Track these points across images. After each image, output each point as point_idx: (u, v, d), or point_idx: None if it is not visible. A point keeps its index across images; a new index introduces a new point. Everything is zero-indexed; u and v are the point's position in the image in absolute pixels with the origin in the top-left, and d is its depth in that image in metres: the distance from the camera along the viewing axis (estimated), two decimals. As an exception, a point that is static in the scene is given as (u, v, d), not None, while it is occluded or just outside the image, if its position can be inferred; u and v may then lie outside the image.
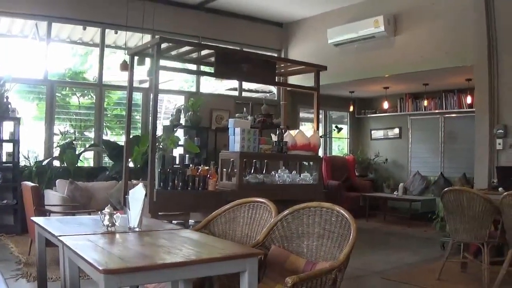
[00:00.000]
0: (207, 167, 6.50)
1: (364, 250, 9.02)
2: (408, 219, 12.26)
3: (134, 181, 6.86)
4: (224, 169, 6.90)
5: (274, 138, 7.19)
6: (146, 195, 3.94)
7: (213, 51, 7.29)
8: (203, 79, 12.94)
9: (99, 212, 3.84)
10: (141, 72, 10.37)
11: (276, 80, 8.37)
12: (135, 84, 10.88)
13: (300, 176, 7.38)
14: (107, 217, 3.72)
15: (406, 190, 13.56)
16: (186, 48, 7.36)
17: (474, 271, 7.25)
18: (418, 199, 12.72)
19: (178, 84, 13.11)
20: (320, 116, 15.28)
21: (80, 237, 3.43)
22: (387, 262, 8.23)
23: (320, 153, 14.20)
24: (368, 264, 7.99)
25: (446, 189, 6.92)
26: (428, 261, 8.17)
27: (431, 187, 13.23)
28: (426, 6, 10.85)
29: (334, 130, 14.99)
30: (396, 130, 15.16)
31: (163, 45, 6.62)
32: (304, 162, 8.07)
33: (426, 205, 12.07)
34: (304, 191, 7.12)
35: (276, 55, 13.75)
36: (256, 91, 14.21)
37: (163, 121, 12.32)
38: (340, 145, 16.34)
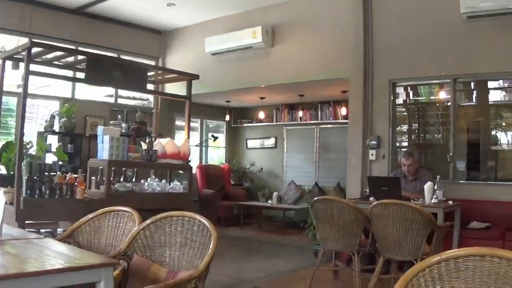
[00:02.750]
0: (75, 175, 6.36)
1: (238, 259, 9.07)
2: (282, 228, 12.38)
3: (3, 189, 6.60)
4: (93, 177, 6.75)
5: (144, 146, 7.11)
6: (6, 202, 3.76)
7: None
8: (81, 85, 12.64)
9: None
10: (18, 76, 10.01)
11: (153, 88, 8.27)
12: (13, 89, 10.47)
13: (170, 184, 7.32)
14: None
15: (281, 199, 13.69)
16: (62, 53, 7.15)
17: (346, 278, 7.40)
18: (292, 208, 12.88)
19: (57, 89, 12.74)
20: (197, 125, 15.33)
21: None
22: (260, 270, 8.28)
23: (196, 162, 14.19)
24: (241, 273, 8.02)
25: (315, 198, 7.01)
26: (301, 269, 8.27)
27: (306, 196, 13.41)
28: (304, 19, 11.00)
29: (210, 138, 14.97)
30: (272, 140, 15.34)
31: (36, 49, 6.41)
32: (180, 171, 7.98)
33: (300, 213, 12.24)
34: (174, 200, 7.08)
35: (154, 63, 13.59)
36: (134, 98, 14.02)
37: (39, 127, 11.91)
38: (218, 154, 16.35)
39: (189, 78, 8.17)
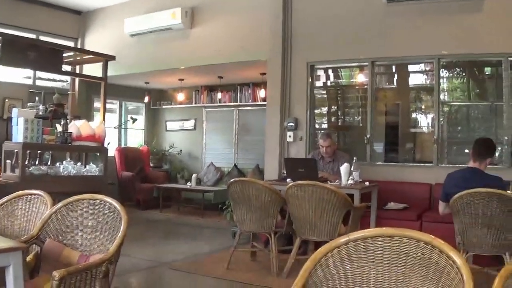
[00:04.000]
0: (-10, 159, 6.21)
1: (157, 242, 9.02)
2: (202, 210, 12.33)
3: None
4: (8, 161, 6.58)
5: (60, 128, 6.97)
6: None
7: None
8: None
9: None
10: None
11: (70, 70, 8.12)
12: None
13: (86, 167, 7.20)
14: None
15: (200, 181, 13.67)
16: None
17: (263, 259, 7.42)
18: (211, 189, 12.86)
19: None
20: (116, 107, 15.10)
21: None
22: (178, 252, 8.24)
23: (115, 144, 14.01)
24: (159, 255, 7.97)
25: (232, 180, 7.03)
26: (219, 251, 8.25)
27: (225, 178, 13.40)
28: (223, 0, 10.98)
29: (129, 120, 14.79)
30: (191, 122, 15.24)
31: None
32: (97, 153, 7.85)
33: (219, 195, 12.21)
34: (90, 182, 6.98)
35: (73, 44, 13.30)
36: (54, 80, 13.67)
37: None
38: (138, 136, 16.15)
39: (105, 59, 8.06)
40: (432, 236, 2.26)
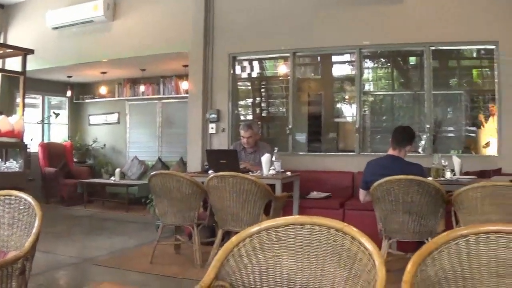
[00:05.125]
0: None
1: (81, 238, 8.91)
2: (126, 204, 12.22)
3: None
4: None
5: (-23, 124, 6.83)
6: None
7: None
8: None
9: None
10: None
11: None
12: None
13: (5, 163, 7.06)
14: None
15: (124, 175, 13.53)
16: None
17: (187, 252, 7.39)
18: (135, 183, 12.77)
19: None
20: (38, 101, 14.81)
21: None
22: (102, 248, 8.14)
23: (39, 139, 13.75)
24: (84, 251, 7.87)
25: (152, 173, 6.99)
26: (144, 245, 8.18)
27: (149, 172, 13.28)
28: (146, -8, 10.89)
29: (51, 116, 14.52)
30: (115, 116, 15.07)
31: None
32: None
33: (144, 189, 12.08)
34: (9, 179, 6.88)
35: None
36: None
37: None
38: (61, 131, 15.85)
39: (24, 53, 7.89)
40: (344, 223, 2.25)
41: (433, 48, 8.67)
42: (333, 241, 2.28)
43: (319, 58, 10.54)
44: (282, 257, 2.38)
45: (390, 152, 6.07)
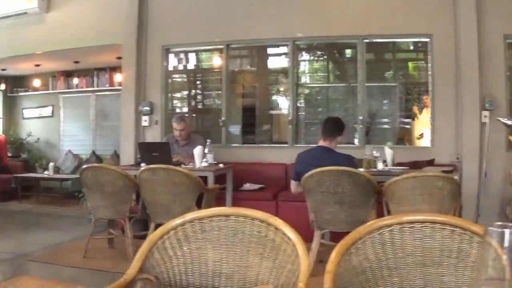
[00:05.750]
0: None
1: (16, 233, 8.78)
2: (61, 199, 12.06)
3: None
4: None
5: None
6: None
7: None
8: None
9: None
10: None
11: None
12: None
13: None
14: None
15: (58, 169, 13.35)
16: None
17: (121, 246, 7.32)
18: (68, 177, 12.59)
19: None
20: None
21: None
22: (37, 243, 8.02)
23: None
24: (18, 247, 7.75)
25: (83, 166, 7.00)
26: (78, 240, 8.10)
27: (83, 165, 13.17)
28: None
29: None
30: (49, 109, 14.84)
31: None
32: None
33: (78, 183, 11.93)
34: None
35: None
36: None
37: None
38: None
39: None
40: (268, 214, 2.26)
41: (367, 40, 8.78)
42: (257, 232, 2.30)
43: (255, 50, 10.56)
44: (207, 249, 2.38)
45: (321, 143, 6.12)
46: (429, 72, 8.51)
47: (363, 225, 2.17)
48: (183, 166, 6.94)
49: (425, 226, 2.09)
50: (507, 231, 1.26)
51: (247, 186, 8.30)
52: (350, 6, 8.66)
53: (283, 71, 10.12)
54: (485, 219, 8.01)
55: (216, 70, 10.36)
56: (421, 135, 9.05)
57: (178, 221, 2.40)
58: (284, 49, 9.79)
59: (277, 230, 2.23)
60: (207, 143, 7.54)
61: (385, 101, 9.75)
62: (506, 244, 1.27)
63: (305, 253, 2.07)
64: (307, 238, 5.88)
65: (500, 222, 1.33)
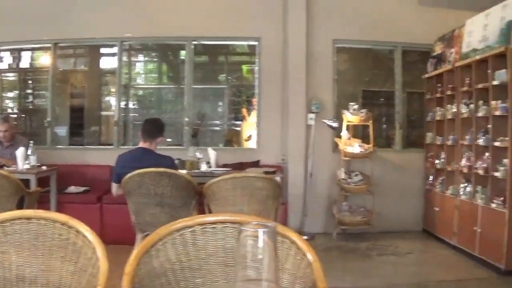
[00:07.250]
0: None
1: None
2: None
3: None
4: None
5: None
6: None
7: None
8: None
9: None
10: None
11: None
12: None
13: None
14: None
15: None
16: None
17: None
18: None
19: None
20: None
21: None
22: None
23: None
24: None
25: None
26: None
27: None
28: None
29: None
30: None
31: None
32: None
33: None
34: None
35: None
36: None
37: None
38: None
39: None
40: (69, 217, 2.20)
41: (195, 42, 8.83)
42: (59, 235, 2.24)
43: (87, 50, 10.35)
44: (10, 253, 2.29)
45: (141, 144, 6.01)
46: (256, 75, 8.66)
47: (164, 226, 2.16)
48: (5, 168, 6.65)
49: (226, 226, 2.12)
50: (260, 231, 1.27)
51: (72, 189, 8.12)
52: (178, 8, 8.67)
53: (114, 72, 10.00)
54: (311, 219, 8.29)
55: (46, 69, 10.04)
56: (249, 137, 9.22)
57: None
58: (116, 49, 9.68)
59: (78, 233, 2.19)
60: (30, 145, 7.27)
61: (217, 103, 9.86)
62: (260, 244, 1.28)
63: (105, 256, 2.05)
64: (132, 241, 5.80)
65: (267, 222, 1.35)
